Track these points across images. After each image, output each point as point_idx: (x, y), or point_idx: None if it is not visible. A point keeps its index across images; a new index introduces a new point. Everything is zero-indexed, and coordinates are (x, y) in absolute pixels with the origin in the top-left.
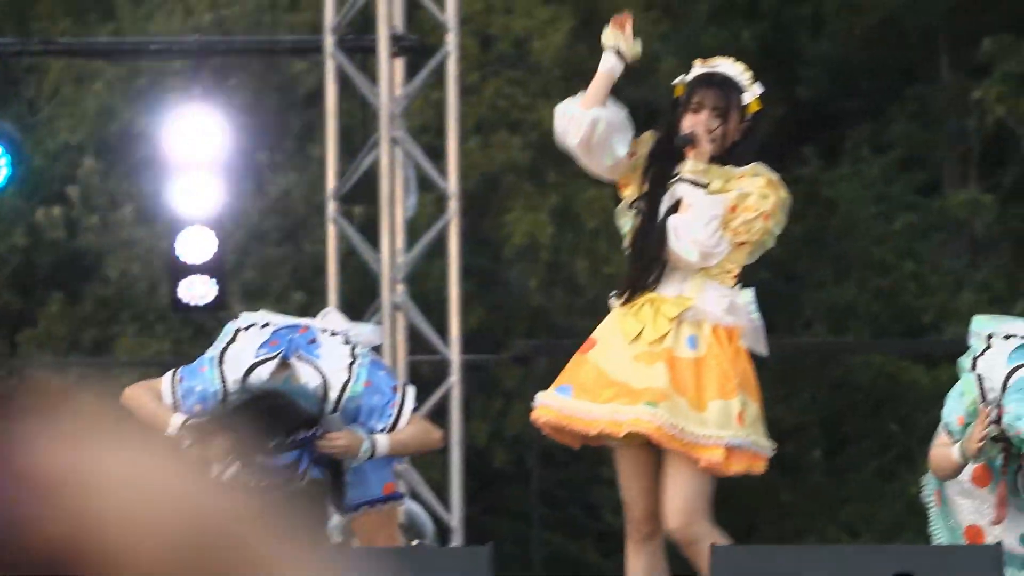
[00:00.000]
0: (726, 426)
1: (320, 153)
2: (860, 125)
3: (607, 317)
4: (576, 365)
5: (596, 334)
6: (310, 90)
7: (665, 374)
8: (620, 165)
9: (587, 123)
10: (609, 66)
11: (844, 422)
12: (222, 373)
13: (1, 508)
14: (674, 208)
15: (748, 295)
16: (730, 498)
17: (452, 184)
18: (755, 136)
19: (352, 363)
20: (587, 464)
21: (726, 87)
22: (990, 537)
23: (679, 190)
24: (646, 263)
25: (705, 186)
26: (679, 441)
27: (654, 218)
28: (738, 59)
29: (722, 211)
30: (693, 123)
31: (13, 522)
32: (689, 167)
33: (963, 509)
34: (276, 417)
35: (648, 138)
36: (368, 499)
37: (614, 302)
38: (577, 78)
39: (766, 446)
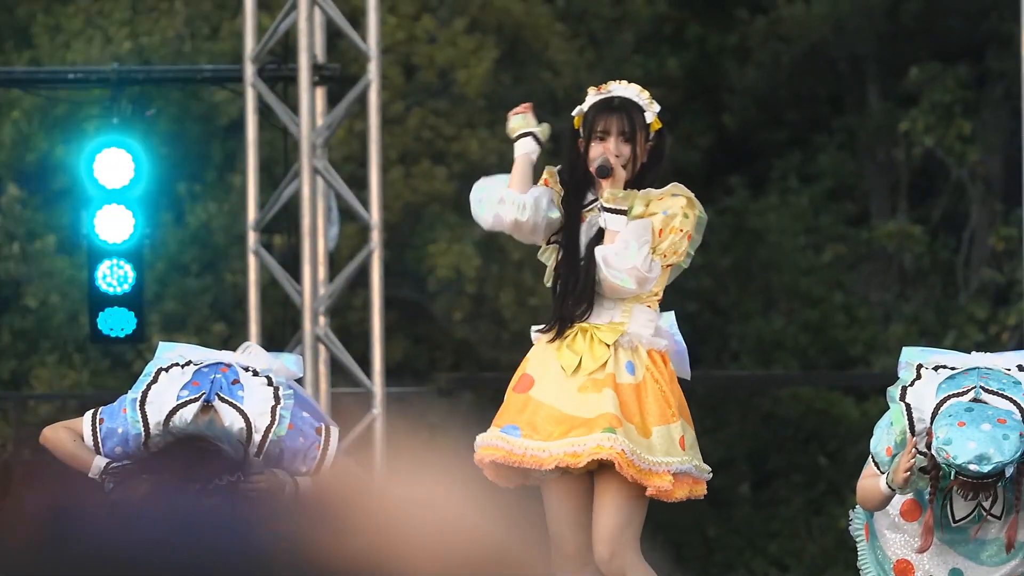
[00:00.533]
0: (671, 452)
1: (241, 183)
2: (788, 155)
3: (533, 352)
4: (518, 404)
5: (530, 371)
6: (231, 120)
7: (613, 400)
8: (538, 231)
9: (529, 205)
10: (528, 150)
11: (772, 455)
12: (144, 415)
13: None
14: (598, 238)
15: (669, 318)
16: (657, 532)
17: (374, 215)
18: (662, 155)
19: (275, 405)
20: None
21: (628, 110)
22: (920, 572)
23: (600, 219)
24: (576, 296)
25: (626, 212)
26: (636, 468)
27: (576, 251)
28: (664, 88)
29: (651, 236)
30: (602, 151)
31: (318, 541)
32: (607, 195)
33: (892, 543)
34: (199, 462)
35: (552, 177)
36: None
37: (537, 336)
38: (501, 109)
39: (706, 470)
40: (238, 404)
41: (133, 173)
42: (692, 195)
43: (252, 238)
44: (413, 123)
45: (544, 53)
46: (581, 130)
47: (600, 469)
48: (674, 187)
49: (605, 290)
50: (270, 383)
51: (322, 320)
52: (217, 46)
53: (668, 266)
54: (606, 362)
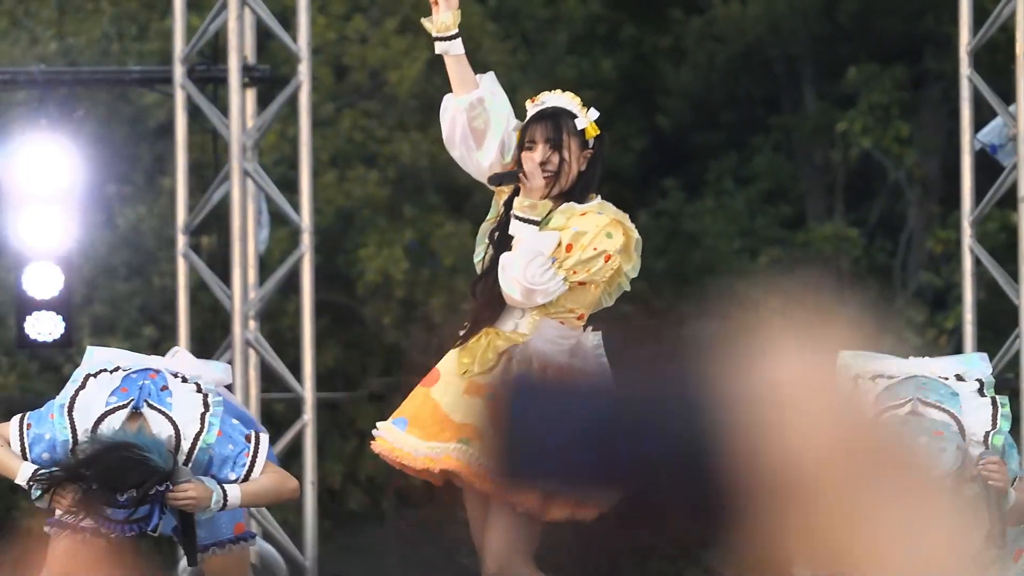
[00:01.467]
0: (467, 451)
1: (171, 186)
2: (723, 157)
3: (451, 350)
4: (416, 398)
5: (440, 366)
6: (160, 122)
7: (484, 410)
8: (494, 170)
9: (466, 106)
10: (442, 50)
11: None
12: (72, 422)
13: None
14: (507, 244)
15: (596, 338)
16: (590, 541)
17: (305, 218)
18: (599, 162)
19: (204, 412)
20: (443, 504)
21: (556, 118)
22: None
23: (512, 227)
24: (487, 298)
25: (537, 223)
26: (490, 482)
27: (501, 252)
28: (599, 90)
29: (549, 249)
30: (526, 160)
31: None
32: (517, 203)
33: None
34: (128, 470)
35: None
36: (218, 539)
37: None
38: (434, 110)
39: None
40: (167, 411)
41: (61, 176)
42: (621, 216)
43: (181, 241)
44: (344, 125)
45: (477, 54)
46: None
47: None
48: (601, 204)
49: (504, 297)
50: (199, 390)
51: (252, 324)
52: (146, 47)
53: (581, 284)
54: (492, 368)
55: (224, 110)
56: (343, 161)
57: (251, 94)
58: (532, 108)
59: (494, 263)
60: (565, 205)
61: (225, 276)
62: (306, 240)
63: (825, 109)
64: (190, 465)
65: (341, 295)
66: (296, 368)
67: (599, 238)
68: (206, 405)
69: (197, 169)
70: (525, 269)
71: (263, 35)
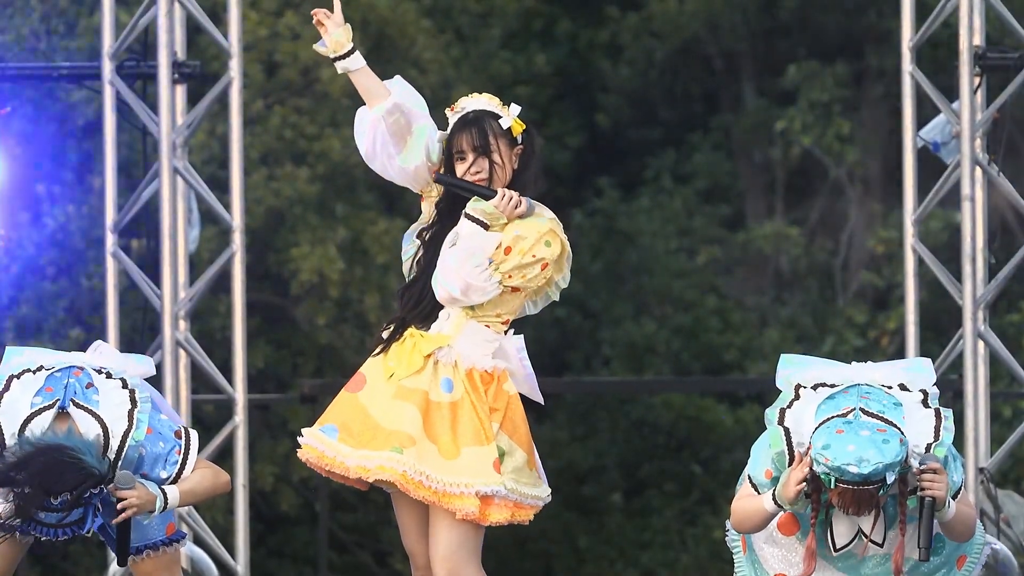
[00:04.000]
0: (480, 474)
1: (100, 184)
2: (661, 155)
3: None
4: (344, 404)
5: (365, 370)
6: (89, 119)
7: (417, 418)
8: (420, 172)
9: (384, 113)
10: (343, 68)
11: (644, 463)
12: None
13: None
14: (438, 246)
15: (517, 341)
16: (526, 542)
17: (236, 217)
18: (533, 158)
19: (132, 409)
20: (376, 508)
21: (479, 122)
22: None
23: (460, 226)
24: (418, 298)
25: (486, 225)
26: (427, 489)
27: (434, 253)
28: (534, 86)
29: (490, 249)
30: (463, 170)
31: None
32: (471, 204)
33: (770, 557)
34: (62, 472)
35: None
36: (150, 542)
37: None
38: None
39: (534, 495)
40: (94, 409)
41: None
42: (558, 225)
43: (110, 240)
44: (274, 122)
45: (411, 51)
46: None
47: None
48: (542, 209)
49: (439, 296)
50: (125, 385)
51: (182, 325)
52: (74, 43)
53: (513, 289)
54: (421, 372)
55: (153, 107)
56: (273, 159)
57: (181, 91)
58: (453, 116)
59: (428, 263)
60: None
61: (154, 276)
62: (237, 239)
63: (765, 106)
64: (120, 464)
65: (272, 294)
66: (227, 369)
67: (538, 245)
68: (133, 401)
69: (126, 167)
70: (464, 265)
71: (193, 31)
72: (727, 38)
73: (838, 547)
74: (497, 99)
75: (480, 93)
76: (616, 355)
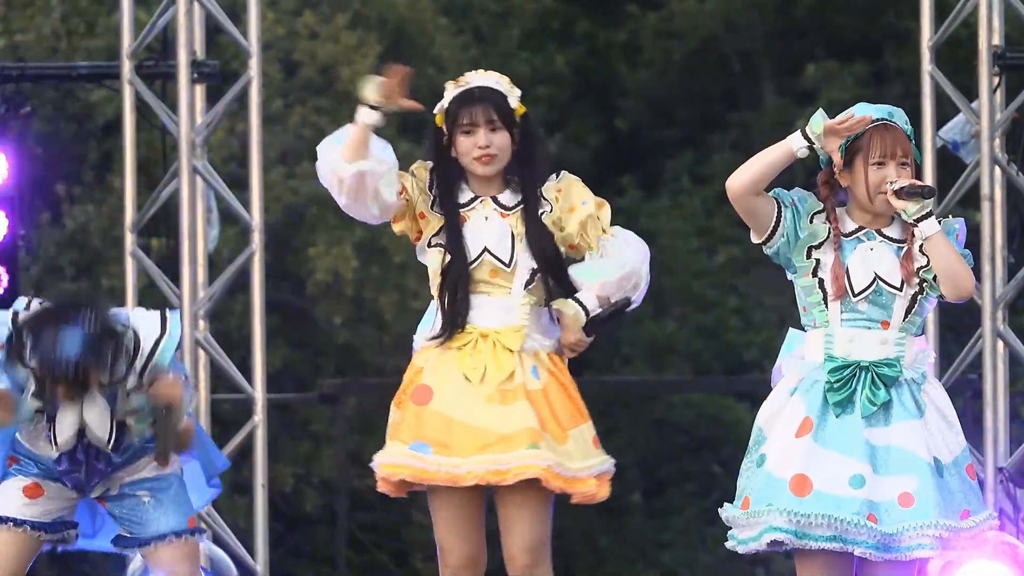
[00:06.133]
0: (588, 454)
1: (119, 184)
2: (680, 155)
3: (424, 359)
4: (420, 419)
5: (427, 380)
6: (108, 119)
7: (530, 411)
8: (389, 208)
9: (350, 177)
10: (373, 120)
11: (664, 463)
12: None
13: None
14: (491, 235)
15: (548, 314)
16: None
17: (255, 216)
18: (534, 138)
19: (164, 323)
20: (397, 508)
21: (493, 98)
22: (818, 482)
23: (513, 220)
24: (462, 300)
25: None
26: (562, 479)
27: (463, 253)
28: (552, 86)
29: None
30: (471, 145)
31: None
32: (506, 198)
33: (786, 459)
34: (76, 307)
35: (421, 172)
36: (175, 529)
37: (424, 342)
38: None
39: (611, 466)
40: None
41: (7, 174)
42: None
43: (130, 240)
44: (294, 121)
45: (429, 49)
46: (444, 127)
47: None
48: (565, 175)
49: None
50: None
51: (202, 324)
52: (94, 43)
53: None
54: (514, 370)
55: (173, 106)
56: (292, 158)
57: (200, 90)
58: (457, 89)
59: (464, 262)
60: (552, 183)
61: (174, 275)
62: (256, 238)
63: (783, 106)
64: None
65: (290, 294)
66: (246, 368)
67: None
68: (164, 324)
69: (145, 167)
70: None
71: (212, 30)
72: (745, 38)
73: (857, 291)
74: (506, 78)
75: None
76: (636, 354)
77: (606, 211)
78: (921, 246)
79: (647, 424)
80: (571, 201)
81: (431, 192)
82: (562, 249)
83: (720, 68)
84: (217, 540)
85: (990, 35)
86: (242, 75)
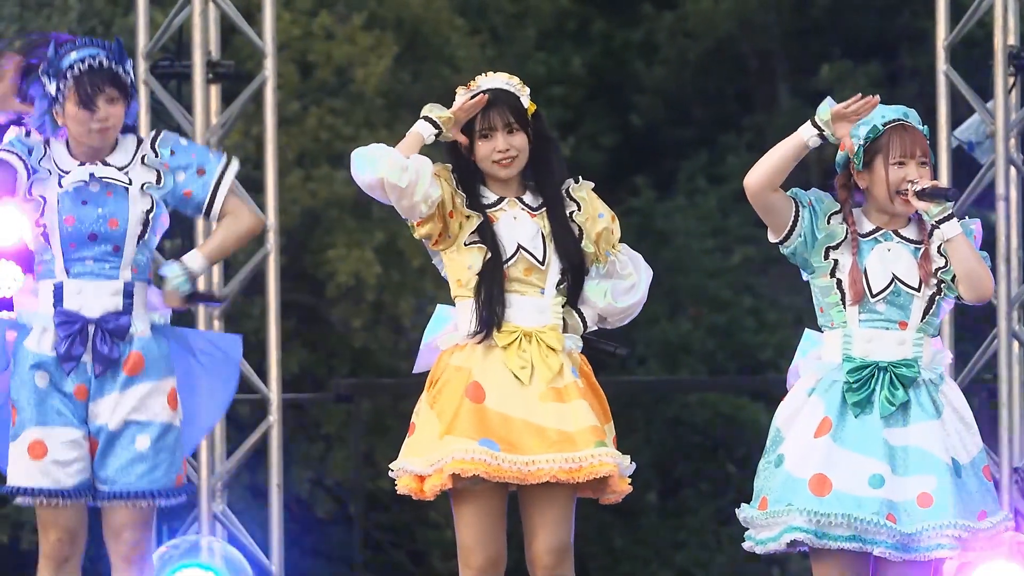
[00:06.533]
0: (616, 454)
1: None
2: (695, 155)
3: (466, 359)
4: (480, 416)
5: (478, 378)
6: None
7: (588, 410)
8: (433, 204)
9: (415, 161)
10: (428, 134)
11: (679, 463)
12: None
13: None
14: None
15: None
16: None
17: (271, 218)
18: (547, 138)
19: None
20: (413, 508)
21: (508, 100)
22: (837, 482)
23: (538, 221)
24: (499, 289)
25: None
26: (623, 479)
27: (498, 248)
28: (568, 86)
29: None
30: (491, 149)
31: None
32: (528, 199)
33: (805, 460)
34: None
35: (445, 174)
36: (136, 489)
37: (463, 339)
38: (401, 107)
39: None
40: None
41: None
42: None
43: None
44: (311, 123)
45: (445, 50)
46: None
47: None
48: (583, 183)
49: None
50: None
51: (216, 324)
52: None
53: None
54: (561, 367)
55: (188, 107)
56: (309, 160)
57: (215, 91)
58: (468, 93)
59: (499, 261)
60: (569, 188)
61: None
62: (272, 240)
63: (798, 106)
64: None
65: (307, 296)
66: (262, 371)
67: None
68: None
69: None
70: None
71: (228, 31)
72: (761, 38)
73: (875, 292)
74: (516, 78)
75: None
76: (651, 353)
77: (617, 226)
78: (939, 247)
79: (662, 424)
80: (593, 209)
81: (460, 192)
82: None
83: (735, 68)
84: (233, 540)
85: (1005, 35)
86: (257, 76)
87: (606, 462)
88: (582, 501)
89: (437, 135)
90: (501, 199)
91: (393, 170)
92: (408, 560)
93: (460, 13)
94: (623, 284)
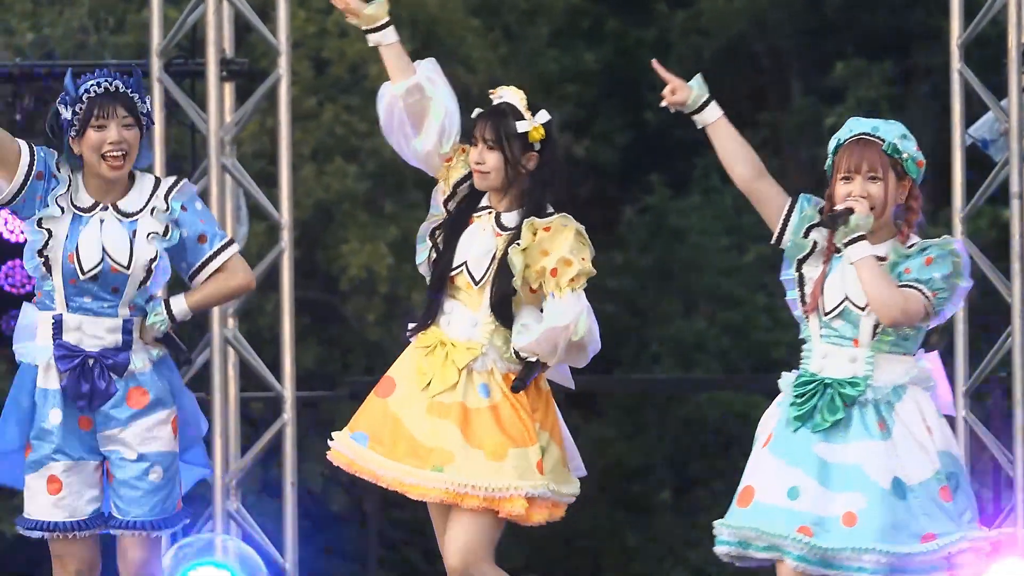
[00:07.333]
0: (525, 475)
1: None
2: (709, 153)
3: (404, 353)
4: (374, 410)
5: (393, 373)
6: None
7: (456, 433)
8: (432, 158)
9: (387, 98)
10: (375, 41)
11: (693, 461)
12: None
13: None
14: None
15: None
16: (574, 540)
17: (285, 214)
18: (552, 165)
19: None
20: (425, 506)
21: (498, 117)
22: (760, 492)
23: (491, 236)
24: (439, 287)
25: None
26: (475, 497)
27: (451, 251)
28: (581, 84)
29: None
30: (471, 158)
31: None
32: (508, 218)
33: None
34: None
35: (464, 151)
36: (138, 519)
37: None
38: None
39: (569, 493)
40: None
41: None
42: (581, 228)
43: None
44: (326, 119)
45: (459, 49)
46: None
47: None
48: (563, 218)
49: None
50: None
51: (231, 322)
52: (122, 39)
53: (533, 291)
54: (456, 384)
55: (202, 104)
56: (323, 155)
57: (229, 88)
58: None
59: (449, 262)
60: (527, 221)
61: None
62: (285, 236)
63: (812, 104)
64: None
65: (321, 291)
66: (276, 367)
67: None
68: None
69: (174, 164)
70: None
71: (242, 28)
72: (774, 36)
73: (827, 310)
74: (525, 99)
75: (522, 88)
76: (665, 352)
77: (570, 271)
78: (895, 264)
79: (676, 422)
80: (552, 245)
81: (457, 186)
82: (528, 286)
83: (749, 66)
84: (247, 538)
85: (1019, 33)
86: (272, 73)
87: (428, 487)
88: (591, 500)
89: (382, 27)
90: (486, 208)
91: (384, 108)
92: (422, 558)
93: (473, 11)
94: (518, 324)
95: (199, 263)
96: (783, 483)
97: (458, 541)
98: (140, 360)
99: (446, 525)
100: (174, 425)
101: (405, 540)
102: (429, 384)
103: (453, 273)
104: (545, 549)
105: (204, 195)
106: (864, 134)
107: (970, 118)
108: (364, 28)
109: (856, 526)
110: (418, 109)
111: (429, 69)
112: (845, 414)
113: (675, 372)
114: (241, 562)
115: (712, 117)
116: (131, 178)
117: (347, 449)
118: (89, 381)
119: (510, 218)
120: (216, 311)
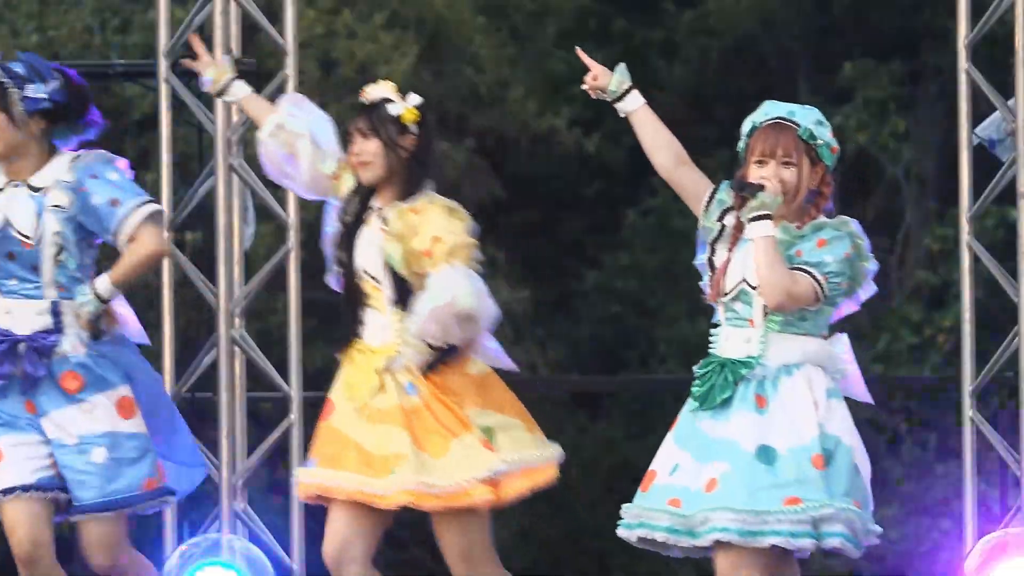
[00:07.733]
0: (474, 461)
1: (155, 181)
2: (716, 153)
3: (339, 373)
4: (320, 436)
5: (331, 394)
6: (144, 115)
7: (403, 435)
8: (319, 183)
9: (261, 147)
10: (228, 100)
11: None
12: None
13: None
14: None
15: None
16: (581, 539)
17: (291, 214)
18: (427, 146)
19: None
20: None
21: (368, 107)
22: (660, 476)
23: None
24: (352, 308)
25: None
26: (437, 497)
27: (351, 262)
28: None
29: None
30: (352, 152)
31: None
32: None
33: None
34: None
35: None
36: (99, 500)
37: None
38: (423, 106)
39: (544, 455)
40: None
41: None
42: (453, 204)
43: (166, 237)
44: (332, 118)
45: (466, 49)
46: None
47: None
48: (431, 196)
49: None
50: None
51: (238, 322)
52: (129, 39)
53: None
54: (381, 388)
55: (209, 104)
56: None
57: None
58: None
59: (350, 263)
60: (392, 206)
61: (209, 273)
62: (292, 236)
63: (820, 104)
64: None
65: (329, 293)
66: (284, 368)
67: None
68: None
69: (181, 164)
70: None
71: (249, 29)
72: (782, 36)
73: (726, 291)
74: (395, 87)
75: (529, 88)
76: (672, 353)
77: (443, 247)
78: (789, 245)
79: None
80: (422, 226)
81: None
82: (414, 272)
83: (757, 66)
84: (254, 539)
85: None
86: (279, 73)
87: (389, 495)
88: (598, 500)
89: (225, 87)
90: (373, 208)
91: (275, 162)
92: (430, 557)
93: (480, 11)
94: (426, 298)
95: (114, 229)
96: (671, 462)
97: (454, 551)
98: (70, 343)
99: (347, 527)
100: (124, 405)
101: (412, 539)
102: (358, 394)
103: (360, 282)
104: (552, 548)
105: (211, 195)
106: (780, 118)
107: (977, 118)
108: (214, 93)
109: (715, 491)
110: (287, 145)
111: (289, 103)
112: (731, 391)
113: (681, 373)
114: (248, 562)
115: (633, 105)
116: (52, 154)
117: (306, 477)
118: (17, 364)
119: (391, 211)
120: (223, 312)
